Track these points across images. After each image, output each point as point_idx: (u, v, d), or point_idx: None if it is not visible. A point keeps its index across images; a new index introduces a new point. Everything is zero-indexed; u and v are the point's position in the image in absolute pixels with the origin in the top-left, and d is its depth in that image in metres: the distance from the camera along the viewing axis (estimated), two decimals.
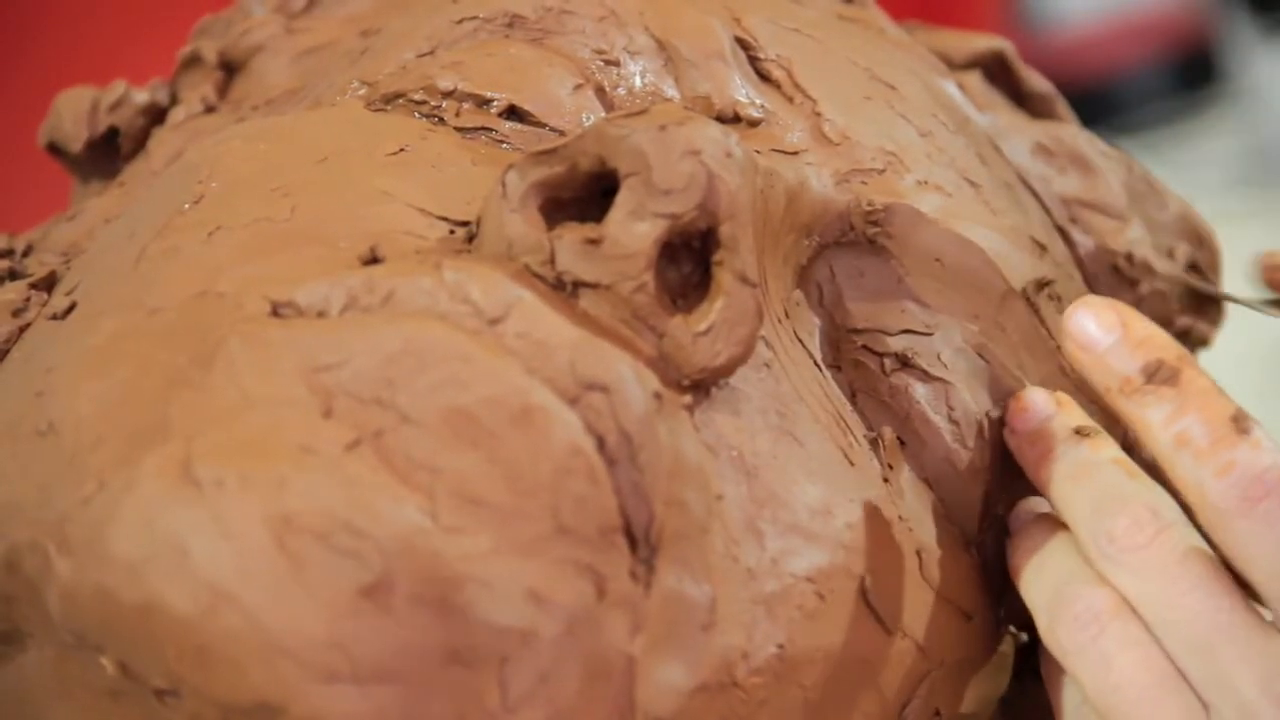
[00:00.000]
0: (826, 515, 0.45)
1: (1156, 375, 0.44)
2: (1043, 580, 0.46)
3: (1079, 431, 0.47)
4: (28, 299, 0.48)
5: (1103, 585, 0.44)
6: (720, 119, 0.49)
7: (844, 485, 0.46)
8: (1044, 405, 0.48)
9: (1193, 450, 0.43)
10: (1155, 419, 0.44)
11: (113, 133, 0.57)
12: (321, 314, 0.41)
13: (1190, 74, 1.83)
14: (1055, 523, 0.47)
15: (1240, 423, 0.43)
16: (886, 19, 0.58)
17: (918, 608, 0.47)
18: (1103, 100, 1.76)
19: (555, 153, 0.42)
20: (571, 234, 0.42)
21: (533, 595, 0.39)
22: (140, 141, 0.57)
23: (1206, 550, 0.44)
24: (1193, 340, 0.59)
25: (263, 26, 0.56)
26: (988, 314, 0.50)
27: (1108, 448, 0.46)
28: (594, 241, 0.41)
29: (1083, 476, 0.46)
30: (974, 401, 0.49)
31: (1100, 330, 0.45)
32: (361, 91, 0.51)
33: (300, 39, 0.56)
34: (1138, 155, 0.62)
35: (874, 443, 0.48)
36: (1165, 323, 0.57)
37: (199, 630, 0.38)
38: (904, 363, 0.49)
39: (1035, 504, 0.49)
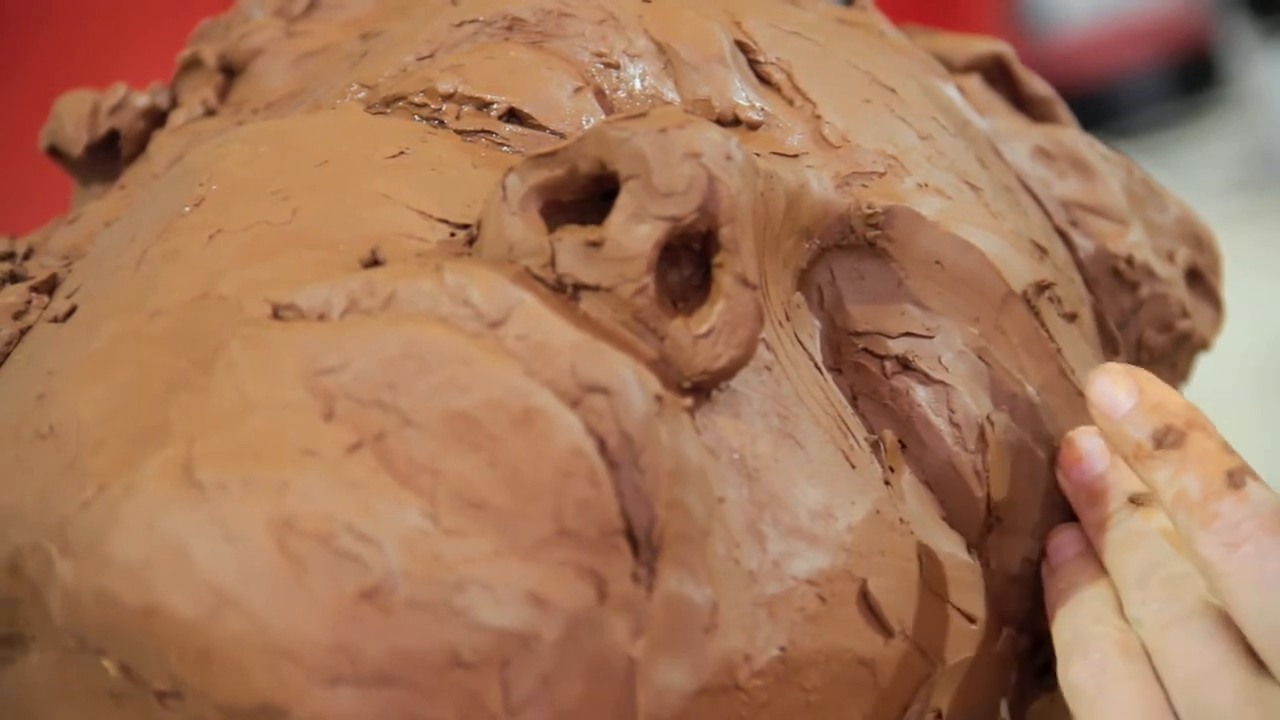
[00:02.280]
0: (828, 518, 0.45)
1: (1165, 440, 0.46)
2: (1075, 623, 0.47)
3: (1133, 500, 0.49)
4: (29, 302, 0.48)
5: (1126, 635, 0.46)
6: (720, 122, 0.49)
7: (845, 488, 0.46)
8: (1099, 458, 0.50)
9: (1186, 506, 0.45)
10: (1161, 481, 0.45)
11: (113, 136, 0.57)
12: (322, 316, 0.41)
13: (1191, 77, 1.83)
14: (1095, 567, 0.49)
15: (1234, 477, 0.44)
16: (886, 22, 0.58)
17: (919, 610, 0.47)
18: (1103, 103, 1.76)
19: (555, 155, 0.42)
20: (572, 236, 0.42)
21: (534, 598, 0.39)
22: (140, 144, 0.57)
23: (1220, 606, 0.45)
24: (1193, 343, 0.59)
25: (263, 30, 0.56)
26: (988, 317, 0.50)
27: (1158, 517, 0.48)
28: (594, 244, 0.41)
29: (1133, 546, 0.48)
30: (975, 404, 0.49)
31: (1118, 397, 0.47)
32: (361, 94, 0.51)
33: (300, 42, 0.56)
34: (1138, 158, 0.62)
35: (875, 445, 0.48)
36: (1166, 326, 0.57)
37: (201, 633, 0.38)
38: (905, 365, 0.49)
39: (1074, 535, 0.50)
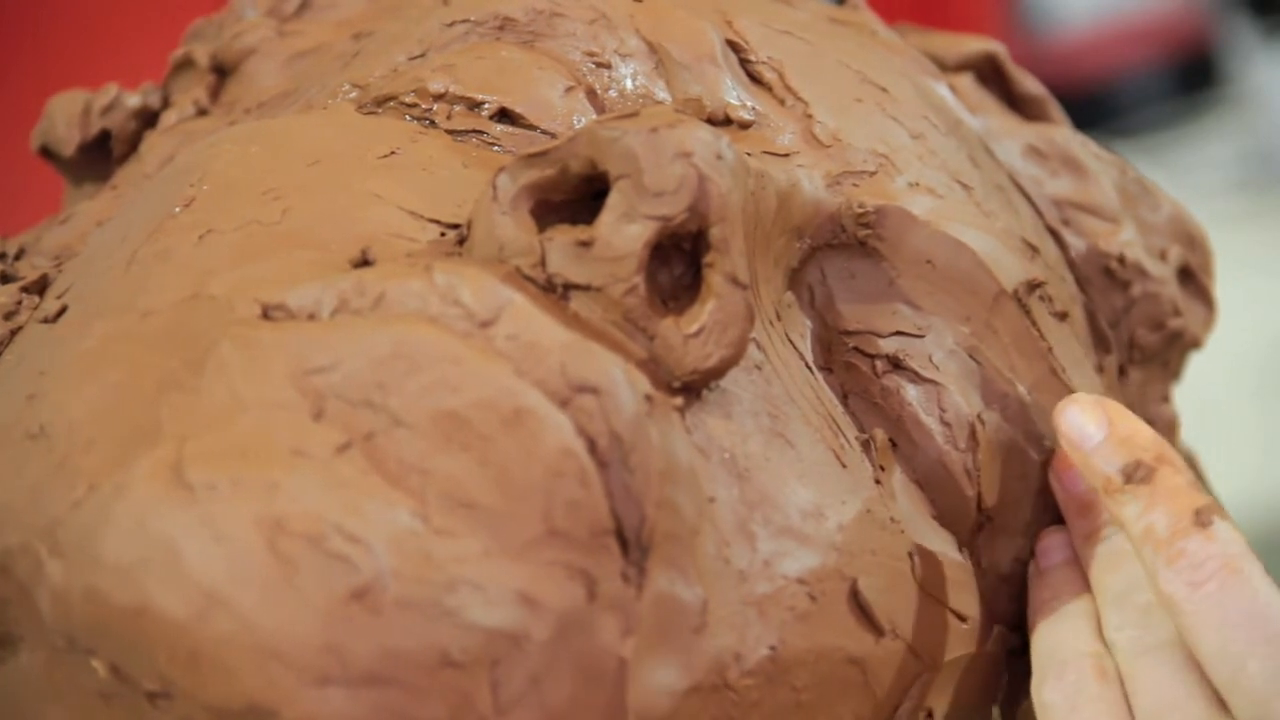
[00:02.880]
0: (818, 517, 0.45)
1: (1134, 475, 0.46)
2: (1054, 639, 0.47)
3: None
4: (19, 302, 0.48)
5: (1102, 658, 0.46)
6: (711, 121, 0.49)
7: (836, 487, 0.46)
8: None
9: (1153, 542, 0.45)
10: (1129, 516, 0.45)
11: (105, 136, 0.57)
12: (312, 316, 0.41)
13: (1190, 77, 1.83)
14: (1080, 580, 0.49)
15: (1202, 515, 0.44)
16: (878, 21, 0.58)
17: (910, 609, 0.47)
18: (1103, 103, 1.76)
19: (546, 155, 0.42)
20: (562, 236, 0.42)
21: (524, 598, 0.39)
22: (132, 144, 0.57)
23: None
24: (1185, 342, 0.59)
25: (255, 30, 0.56)
26: (979, 316, 0.50)
27: None
28: (585, 244, 0.41)
29: (1117, 566, 0.48)
30: (966, 403, 0.49)
31: (1088, 429, 0.47)
32: (353, 94, 0.51)
33: (292, 42, 0.56)
34: (1138, 158, 0.62)
35: (866, 444, 0.48)
36: (1158, 325, 0.57)
37: (191, 633, 0.38)
38: (895, 364, 0.49)
39: (1063, 540, 0.50)
